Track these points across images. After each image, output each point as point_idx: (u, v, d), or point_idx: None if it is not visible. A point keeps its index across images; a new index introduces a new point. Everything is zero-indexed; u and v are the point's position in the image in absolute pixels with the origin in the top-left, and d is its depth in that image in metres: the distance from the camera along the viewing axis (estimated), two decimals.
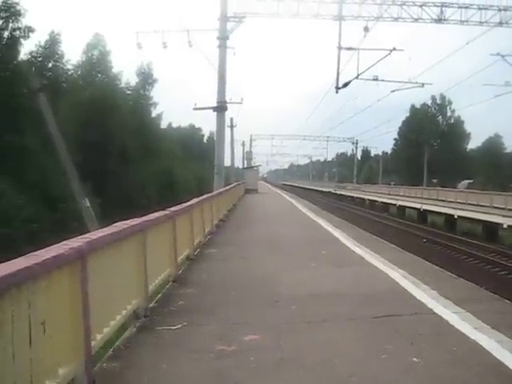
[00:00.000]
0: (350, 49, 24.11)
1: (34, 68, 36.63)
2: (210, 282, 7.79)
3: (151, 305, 6.11)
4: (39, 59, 40.04)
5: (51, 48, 40.98)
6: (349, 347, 4.75)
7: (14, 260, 3.01)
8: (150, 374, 4.17)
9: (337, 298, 6.49)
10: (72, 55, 56.33)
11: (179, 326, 5.39)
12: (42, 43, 40.44)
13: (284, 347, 4.71)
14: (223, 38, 26.29)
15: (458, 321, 5.40)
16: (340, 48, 24.00)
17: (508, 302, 6.67)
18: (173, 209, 8.07)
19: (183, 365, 4.37)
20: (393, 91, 30.95)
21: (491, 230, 25.37)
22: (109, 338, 4.54)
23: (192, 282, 7.64)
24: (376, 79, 26.92)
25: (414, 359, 4.37)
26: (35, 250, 3.28)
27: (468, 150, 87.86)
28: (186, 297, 6.71)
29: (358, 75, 25.07)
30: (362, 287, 7.17)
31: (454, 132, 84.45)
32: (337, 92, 25.82)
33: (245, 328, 5.26)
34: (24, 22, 33.14)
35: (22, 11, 32.82)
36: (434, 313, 5.74)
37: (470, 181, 71.76)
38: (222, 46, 26.34)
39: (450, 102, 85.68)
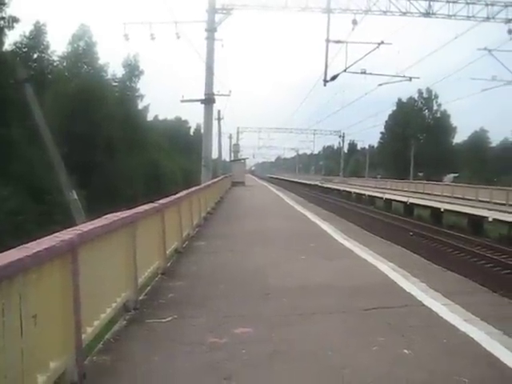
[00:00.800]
0: (338, 42, 24.11)
1: (18, 59, 36.20)
2: (199, 274, 7.76)
3: (141, 297, 6.08)
4: (24, 50, 39.67)
5: (36, 39, 40.62)
6: (340, 339, 4.76)
7: (5, 252, 2.96)
8: (141, 367, 4.15)
9: (327, 291, 6.50)
10: (57, 46, 55.68)
11: (170, 318, 5.36)
12: (27, 34, 40.03)
13: (276, 339, 4.71)
14: (211, 30, 26.14)
15: (448, 313, 5.44)
16: (328, 41, 23.99)
17: (495, 294, 6.74)
18: (161, 201, 8.03)
19: (175, 357, 4.34)
20: (380, 85, 31.01)
21: (477, 223, 25.60)
22: (99, 331, 4.50)
23: (181, 275, 7.61)
24: (364, 72, 26.94)
25: (405, 351, 4.39)
26: (19, 244, 3.24)
27: (454, 143, 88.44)
28: (175, 289, 6.68)
29: (346, 68, 25.11)
30: (351, 280, 7.18)
31: (440, 126, 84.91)
32: (325, 85, 25.84)
33: (236, 320, 5.25)
34: (8, 11, 32.75)
35: (6, 0, 32.42)
36: (424, 305, 5.77)
37: (456, 174, 72.39)
38: (210, 38, 26.19)
39: (437, 96, 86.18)
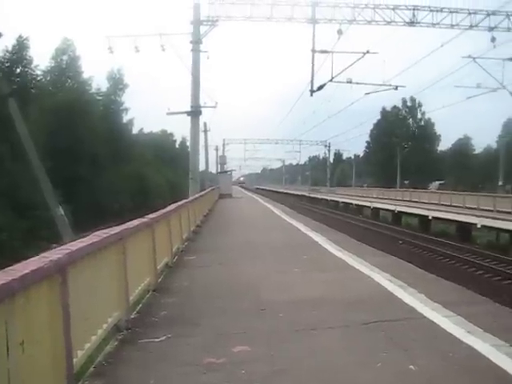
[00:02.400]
0: (324, 52, 24.13)
1: (1, 74, 35.79)
2: (191, 290, 7.54)
3: (132, 316, 5.86)
4: (7, 65, 39.20)
5: (19, 53, 40.18)
6: (342, 356, 4.58)
7: None
8: None
9: (324, 304, 6.32)
10: (41, 60, 55.27)
11: (163, 338, 5.15)
12: (10, 48, 39.64)
13: (275, 358, 4.52)
14: (196, 42, 26.06)
15: (450, 325, 5.29)
16: (314, 51, 24.00)
17: (496, 304, 6.61)
18: (151, 216, 7.83)
19: (171, 380, 4.14)
20: (367, 94, 31.04)
21: (465, 230, 25.64)
22: (90, 353, 4.29)
23: (173, 291, 7.39)
24: (350, 82, 27.01)
25: (411, 367, 4.22)
26: (4, 261, 3.05)
27: (439, 151, 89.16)
28: (168, 307, 6.47)
29: (332, 78, 25.12)
30: (348, 292, 7.02)
31: (425, 134, 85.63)
32: (311, 95, 25.88)
33: (232, 339, 5.05)
34: None
35: None
36: (425, 317, 5.61)
37: (442, 182, 72.90)
38: (196, 50, 26.10)
39: (420, 105, 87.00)
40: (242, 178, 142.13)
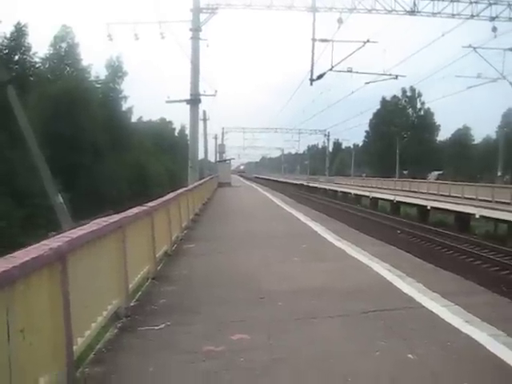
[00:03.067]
0: (324, 40, 24.03)
1: None
2: (191, 278, 7.55)
3: (131, 304, 5.87)
4: (5, 52, 39.01)
5: (17, 40, 39.97)
6: (341, 345, 4.60)
7: None
8: (136, 379, 3.97)
9: (323, 293, 6.33)
10: (39, 48, 54.95)
11: (163, 325, 5.17)
12: (8, 35, 39.42)
13: (274, 346, 4.54)
14: (196, 30, 25.94)
15: (449, 314, 5.31)
16: (314, 40, 23.90)
17: (494, 294, 6.64)
18: (151, 204, 7.83)
19: (170, 367, 4.15)
20: (367, 83, 30.95)
21: (464, 220, 25.67)
22: (90, 341, 4.31)
23: (172, 279, 7.40)
24: (350, 71, 26.92)
25: (410, 356, 4.25)
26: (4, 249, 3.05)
27: (438, 141, 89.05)
28: (167, 295, 6.48)
29: (333, 67, 25.06)
30: (347, 281, 7.03)
31: (424, 124, 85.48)
32: (311, 84, 25.80)
33: (231, 327, 5.07)
34: None
35: None
36: (424, 306, 5.64)
37: (440, 172, 72.88)
38: (195, 38, 26.00)
39: (420, 95, 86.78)
40: (242, 167, 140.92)
